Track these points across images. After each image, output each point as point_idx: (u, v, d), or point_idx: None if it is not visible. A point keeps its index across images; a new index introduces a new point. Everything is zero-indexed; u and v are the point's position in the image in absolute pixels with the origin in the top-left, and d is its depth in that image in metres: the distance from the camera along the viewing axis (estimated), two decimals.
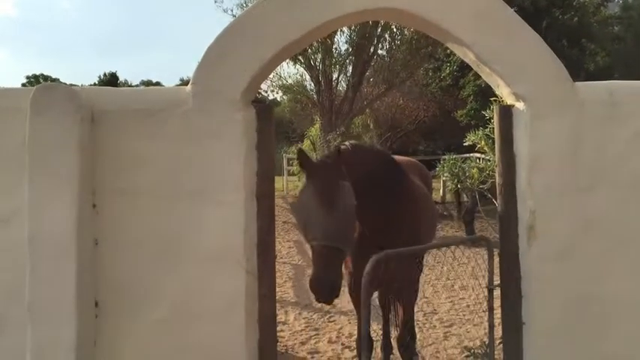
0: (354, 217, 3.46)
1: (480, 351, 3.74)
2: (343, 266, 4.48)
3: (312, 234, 3.33)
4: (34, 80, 47.37)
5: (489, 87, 3.51)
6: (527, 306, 3.13)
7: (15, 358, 2.87)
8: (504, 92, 3.29)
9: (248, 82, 3.09)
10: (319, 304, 7.38)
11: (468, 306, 7.28)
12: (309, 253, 3.38)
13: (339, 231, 3.31)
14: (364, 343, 3.08)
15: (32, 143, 2.87)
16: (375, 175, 3.84)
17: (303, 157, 3.63)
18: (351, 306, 7.18)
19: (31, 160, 2.87)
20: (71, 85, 3.36)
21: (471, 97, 23.11)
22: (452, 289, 8.20)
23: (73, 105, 2.91)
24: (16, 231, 2.96)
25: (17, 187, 2.95)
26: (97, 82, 46.30)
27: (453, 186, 4.31)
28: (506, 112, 3.25)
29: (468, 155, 8.65)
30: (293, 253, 10.95)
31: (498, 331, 3.44)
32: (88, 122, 3.03)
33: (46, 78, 47.64)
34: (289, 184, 20.60)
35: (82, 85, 3.13)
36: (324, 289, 3.19)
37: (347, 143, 4.04)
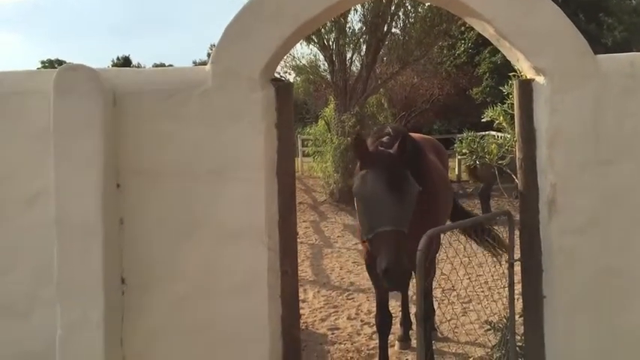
0: (413, 204, 3.57)
1: (500, 325, 3.76)
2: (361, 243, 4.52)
3: (380, 221, 3.38)
4: (48, 65, 47.56)
5: (505, 64, 3.51)
6: (548, 280, 3.14)
7: (46, 335, 2.95)
8: (524, 66, 3.27)
9: (267, 61, 3.10)
10: (337, 283, 7.47)
11: (486, 282, 7.30)
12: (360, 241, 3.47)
13: (406, 216, 3.45)
14: (420, 315, 3.05)
15: (56, 125, 2.91)
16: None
17: (360, 145, 3.72)
18: (369, 284, 7.24)
19: (55, 141, 2.91)
20: None
21: (487, 75, 22.91)
22: (469, 265, 8.21)
23: (95, 86, 2.94)
24: (41, 212, 3.02)
25: (42, 168, 3.01)
26: (110, 66, 46.42)
27: (472, 162, 4.28)
28: (526, 86, 3.24)
29: (485, 133, 8.61)
30: (310, 233, 11.01)
31: (518, 306, 3.46)
32: (111, 103, 3.06)
33: (60, 62, 47.82)
34: (304, 165, 20.64)
35: (98, 68, 3.15)
36: (400, 276, 3.26)
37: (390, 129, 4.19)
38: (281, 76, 17.58)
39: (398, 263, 3.22)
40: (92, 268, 2.89)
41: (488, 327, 3.91)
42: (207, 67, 3.14)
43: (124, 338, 3.10)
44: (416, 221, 3.89)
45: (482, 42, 21.94)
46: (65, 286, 2.91)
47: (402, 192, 3.45)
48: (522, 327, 3.38)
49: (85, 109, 2.92)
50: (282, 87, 3.24)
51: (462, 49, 24.61)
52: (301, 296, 6.76)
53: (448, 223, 5.42)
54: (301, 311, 6.19)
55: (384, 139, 4.08)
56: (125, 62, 49.08)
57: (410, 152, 4.20)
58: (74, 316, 2.90)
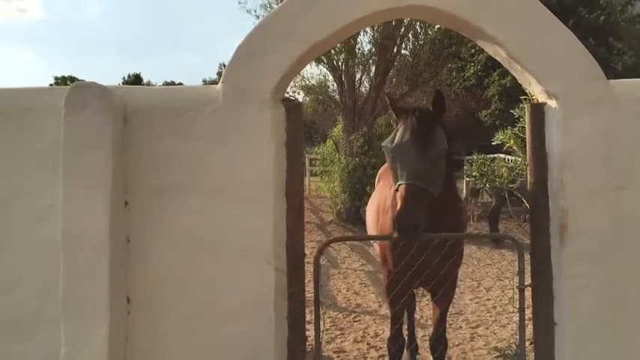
0: (444, 163, 3.50)
1: (509, 351, 3.70)
2: (382, 263, 4.42)
3: (402, 174, 3.36)
4: (61, 81, 48.05)
5: (514, 87, 3.50)
6: (559, 306, 3.09)
7: (50, 354, 2.92)
8: (536, 90, 3.25)
9: (278, 81, 3.10)
10: (344, 304, 7.41)
11: (495, 307, 7.23)
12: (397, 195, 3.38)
13: (431, 173, 3.36)
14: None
15: (66, 141, 2.92)
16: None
17: (395, 106, 3.75)
18: (375, 306, 7.19)
19: (65, 157, 2.91)
20: None
21: (496, 97, 22.95)
22: (477, 290, 8.14)
23: (106, 104, 2.95)
24: (49, 228, 3.01)
25: (51, 184, 3.00)
26: (121, 83, 46.84)
27: (482, 185, 4.26)
28: (538, 110, 3.22)
29: (494, 155, 8.59)
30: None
31: (528, 332, 3.40)
32: (121, 121, 3.07)
33: (73, 79, 48.31)
34: (312, 185, 20.64)
35: (109, 85, 3.17)
36: (408, 226, 3.17)
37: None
38: (290, 96, 17.67)
39: (406, 218, 3.17)
40: (98, 287, 2.87)
41: (498, 353, 3.85)
42: (218, 85, 3.14)
43: (128, 358, 3.07)
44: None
45: (491, 64, 22.03)
46: (70, 303, 2.89)
47: (426, 147, 3.38)
48: (532, 354, 3.31)
49: (95, 126, 2.92)
50: (292, 107, 3.24)
51: (472, 71, 24.69)
52: (308, 317, 6.70)
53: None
54: (307, 333, 6.13)
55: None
56: (136, 80, 49.54)
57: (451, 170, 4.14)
58: (78, 335, 2.87)
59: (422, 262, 3.64)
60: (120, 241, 3.02)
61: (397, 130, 3.59)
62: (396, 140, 3.51)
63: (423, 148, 3.38)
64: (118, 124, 3.02)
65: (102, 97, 2.96)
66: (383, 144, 3.62)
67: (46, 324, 3.01)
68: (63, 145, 2.91)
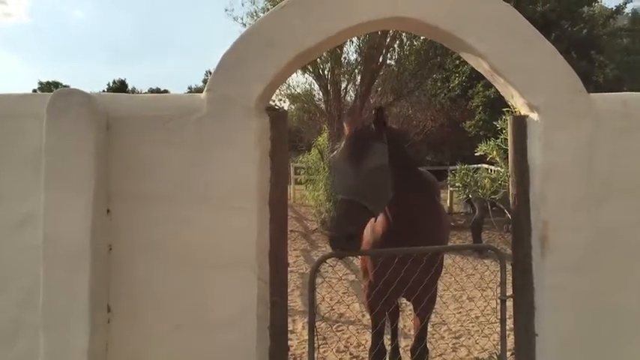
0: (384, 178, 3.48)
1: None
2: (363, 274, 4.44)
3: (338, 189, 3.38)
4: (45, 87, 47.68)
5: (498, 98, 3.54)
6: (540, 317, 3.11)
7: None
8: (518, 103, 3.29)
9: (262, 90, 3.11)
10: (327, 314, 7.39)
11: (477, 317, 7.25)
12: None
13: (363, 187, 3.32)
14: None
15: (48, 148, 2.89)
16: (411, 167, 3.86)
17: (346, 121, 3.76)
18: (359, 315, 7.18)
19: (47, 164, 2.88)
20: None
21: (480, 108, 23.12)
22: (460, 299, 8.17)
23: (89, 110, 2.93)
24: (30, 236, 2.97)
25: (32, 191, 2.97)
26: (106, 90, 46.60)
27: (465, 196, 4.30)
28: (520, 122, 3.25)
29: (477, 166, 8.65)
30: (300, 262, 10.93)
31: (509, 343, 3.42)
32: (104, 128, 3.05)
33: (57, 85, 47.97)
34: (296, 193, 20.63)
35: (92, 92, 3.15)
36: (339, 236, 3.15)
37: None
38: (276, 104, 17.70)
39: (337, 229, 3.16)
40: (78, 295, 2.83)
41: None
42: (203, 94, 3.14)
43: None
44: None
45: (475, 76, 22.21)
46: (50, 312, 2.86)
47: (358, 162, 3.37)
48: None
49: (77, 133, 2.90)
50: (277, 116, 3.24)
51: (456, 82, 24.88)
52: (290, 327, 6.68)
53: None
54: (289, 342, 6.10)
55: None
56: (121, 86, 49.30)
57: (424, 181, 4.18)
58: (58, 343, 2.84)
59: (403, 273, 3.66)
60: (101, 249, 2.99)
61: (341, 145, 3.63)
62: (335, 157, 3.55)
63: (355, 163, 3.37)
64: (100, 131, 3.00)
65: (85, 103, 2.94)
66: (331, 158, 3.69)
67: (26, 332, 2.97)
68: (45, 151, 2.89)
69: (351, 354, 5.91)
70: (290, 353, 5.79)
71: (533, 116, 3.17)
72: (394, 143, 3.67)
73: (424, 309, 4.36)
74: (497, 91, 3.55)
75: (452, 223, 14.54)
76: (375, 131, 3.59)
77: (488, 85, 21.32)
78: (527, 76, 3.10)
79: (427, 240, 3.83)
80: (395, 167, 3.61)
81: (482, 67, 3.30)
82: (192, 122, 3.10)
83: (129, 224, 3.07)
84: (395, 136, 3.77)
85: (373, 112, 3.72)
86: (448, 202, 17.18)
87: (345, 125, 3.83)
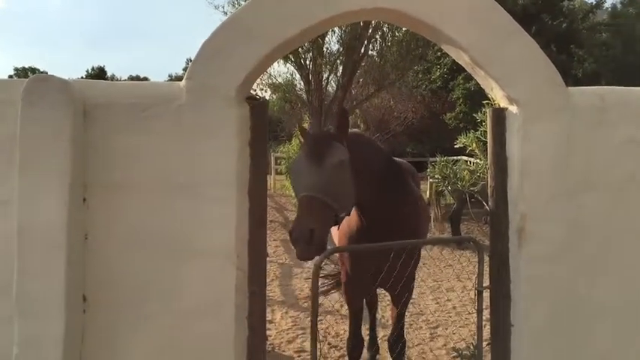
0: (347, 175, 3.47)
1: (467, 352, 3.75)
2: (340, 264, 4.46)
3: (298, 188, 3.39)
4: (21, 72, 46.90)
5: (478, 91, 3.55)
6: (516, 308, 3.15)
7: (3, 351, 2.84)
8: (498, 95, 3.31)
9: (243, 79, 3.08)
10: (306, 304, 7.41)
11: (454, 307, 7.33)
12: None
13: (326, 184, 3.31)
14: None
15: (24, 135, 2.84)
16: (380, 170, 3.88)
17: (302, 130, 3.80)
18: (337, 306, 7.20)
19: (22, 152, 2.83)
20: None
21: (460, 101, 23.25)
22: (438, 290, 8.24)
23: (66, 97, 2.88)
24: (3, 224, 2.93)
25: (6, 179, 2.92)
26: (84, 76, 46.01)
27: (444, 187, 4.31)
28: (499, 115, 3.27)
29: (457, 158, 8.70)
30: (279, 252, 10.94)
31: (486, 333, 3.46)
32: (81, 115, 3.00)
33: (34, 70, 47.22)
34: (277, 183, 20.60)
35: (69, 79, 3.10)
36: (302, 238, 3.12)
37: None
38: (257, 94, 17.59)
39: (299, 228, 3.14)
40: (53, 284, 2.80)
41: (456, 354, 3.90)
42: (182, 82, 3.11)
43: (84, 358, 3.01)
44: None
45: (456, 68, 22.32)
46: (24, 301, 2.82)
47: (319, 160, 3.39)
48: (490, 355, 3.37)
49: (53, 119, 2.85)
50: (257, 105, 3.22)
51: (438, 74, 24.98)
52: (269, 317, 6.69)
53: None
54: (268, 332, 6.11)
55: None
56: (100, 73, 48.67)
57: (398, 173, 4.20)
58: (32, 333, 2.80)
59: (378, 264, 3.69)
60: (77, 238, 2.96)
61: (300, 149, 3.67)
62: (294, 161, 3.60)
63: (314, 161, 3.40)
64: (77, 118, 2.96)
65: (61, 90, 2.89)
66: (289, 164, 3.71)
67: (0, 321, 2.93)
68: (20, 138, 2.83)
69: (329, 344, 5.94)
70: (269, 343, 5.81)
71: (513, 109, 3.19)
72: (357, 144, 3.66)
73: (401, 299, 4.41)
74: (477, 84, 3.56)
75: (431, 214, 14.63)
76: (336, 133, 3.61)
77: (469, 78, 21.44)
78: (506, 68, 3.12)
79: (403, 235, 3.86)
80: (364, 169, 3.61)
81: (462, 59, 3.31)
82: (172, 111, 3.07)
83: (106, 213, 3.04)
84: (357, 138, 3.76)
85: (337, 115, 3.75)
86: (428, 193, 17.27)
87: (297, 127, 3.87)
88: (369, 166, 3.75)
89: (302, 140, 3.77)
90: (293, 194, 15.41)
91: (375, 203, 3.80)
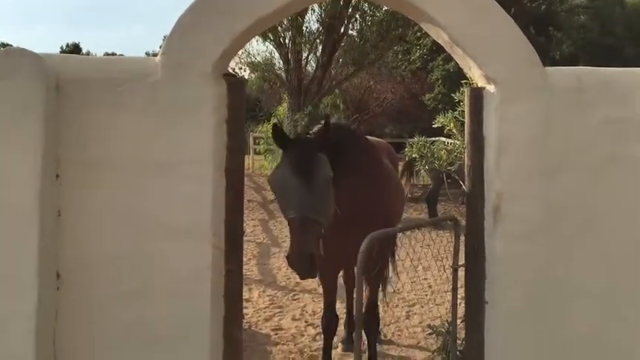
0: (332, 190, 3.46)
1: (442, 329, 3.80)
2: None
3: (289, 206, 3.34)
4: None
5: (457, 72, 3.55)
6: (491, 286, 3.18)
7: None
8: (476, 74, 3.31)
9: (219, 55, 3.04)
10: (283, 282, 7.43)
11: (430, 286, 7.40)
12: (287, 227, 3.40)
13: (317, 203, 3.32)
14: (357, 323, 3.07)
15: None
16: (349, 154, 3.86)
17: (278, 132, 3.62)
18: (314, 284, 7.23)
19: None
20: None
21: (439, 82, 23.30)
22: (415, 269, 8.30)
23: (38, 71, 2.82)
24: None
25: None
26: (59, 52, 45.06)
27: (421, 167, 4.34)
28: (477, 94, 3.27)
29: (435, 139, 8.75)
30: (257, 232, 10.93)
31: (461, 311, 3.50)
32: (53, 90, 2.94)
33: (5, 46, 46.14)
34: (255, 163, 20.52)
35: (42, 53, 3.03)
36: (303, 264, 3.21)
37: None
38: (235, 72, 17.45)
39: (298, 252, 3.22)
40: (25, 260, 2.75)
41: (431, 331, 3.95)
42: (158, 58, 3.05)
43: (58, 335, 2.98)
44: (371, 222, 3.90)
45: (436, 49, 22.31)
46: None
47: (309, 177, 3.35)
48: (464, 332, 3.41)
49: (25, 94, 2.79)
50: (234, 83, 3.18)
51: (417, 54, 24.93)
52: (246, 295, 6.69)
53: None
54: (245, 311, 6.12)
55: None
56: (75, 50, 47.71)
57: (368, 154, 4.20)
58: (3, 310, 2.76)
59: (349, 243, 3.71)
60: (50, 215, 2.91)
61: (279, 161, 3.59)
62: (278, 174, 3.50)
63: (304, 178, 3.35)
64: (50, 93, 2.89)
65: (34, 64, 2.82)
66: (269, 175, 3.62)
67: None
68: None
69: (306, 321, 5.97)
70: (245, 321, 5.82)
71: (490, 88, 3.20)
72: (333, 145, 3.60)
73: (374, 276, 4.46)
74: (457, 65, 3.56)
75: (409, 195, 14.71)
76: (319, 143, 3.55)
77: (448, 59, 21.50)
78: (484, 47, 3.11)
79: (375, 214, 3.88)
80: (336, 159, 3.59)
81: (442, 38, 3.30)
82: (147, 86, 3.02)
83: (80, 190, 2.99)
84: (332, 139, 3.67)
85: (324, 119, 3.68)
86: (400, 169, 17.35)
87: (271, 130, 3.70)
88: (344, 155, 3.74)
89: (281, 146, 3.63)
90: None
91: (345, 183, 3.78)
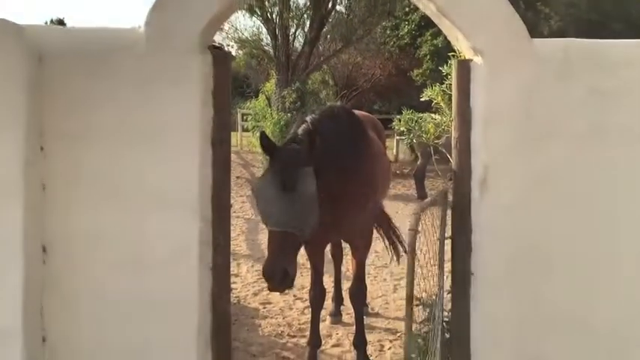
0: (314, 203, 3.43)
1: (429, 301, 3.83)
2: None
3: (269, 218, 3.38)
4: None
5: (445, 47, 3.54)
6: (476, 257, 3.21)
7: None
8: (463, 46, 3.29)
9: (204, 26, 3.00)
10: None
11: (418, 260, 7.45)
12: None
13: (296, 217, 3.33)
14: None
15: None
16: (335, 132, 3.87)
17: (266, 141, 3.61)
18: (303, 259, 7.27)
19: None
20: None
21: (428, 57, 23.17)
22: (403, 243, 8.35)
23: (19, 42, 2.78)
24: None
25: None
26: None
27: (409, 141, 4.36)
28: (465, 66, 3.26)
29: (422, 115, 8.79)
30: (246, 208, 10.93)
31: (447, 283, 3.53)
32: (36, 61, 2.90)
33: None
34: (243, 140, 20.43)
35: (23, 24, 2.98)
36: (276, 277, 3.24)
37: (309, 119, 3.98)
38: (221, 45, 17.30)
39: (271, 266, 3.26)
40: (10, 234, 2.74)
41: (418, 303, 3.98)
42: (142, 28, 3.01)
43: (45, 308, 2.98)
44: (355, 197, 3.93)
45: (424, 24, 22.17)
46: None
47: (290, 191, 3.34)
48: (450, 303, 3.45)
49: (7, 65, 2.75)
50: (220, 55, 3.15)
51: (405, 30, 24.76)
52: (234, 270, 6.71)
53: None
54: (234, 285, 6.14)
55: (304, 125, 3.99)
56: (59, 25, 46.97)
57: (353, 129, 4.20)
58: None
59: (335, 218, 3.72)
60: (35, 188, 2.89)
61: (265, 171, 3.57)
62: (261, 184, 3.50)
63: (284, 192, 3.34)
64: (32, 64, 2.86)
65: (15, 35, 2.78)
66: (253, 185, 3.60)
67: None
68: None
69: (294, 295, 6.00)
70: (234, 295, 5.84)
71: (477, 60, 3.18)
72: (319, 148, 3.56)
73: (359, 249, 4.50)
74: (445, 40, 3.55)
75: (397, 171, 14.76)
76: (305, 153, 3.51)
77: (437, 35, 21.36)
78: (471, 18, 3.10)
79: (358, 184, 3.92)
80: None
81: (429, 9, 3.28)
82: (131, 58, 2.98)
83: (64, 163, 2.97)
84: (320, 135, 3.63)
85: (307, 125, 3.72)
86: (394, 150, 17.39)
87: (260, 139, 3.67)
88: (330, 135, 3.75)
89: (267, 153, 3.63)
90: (260, 151, 15.37)
91: (330, 156, 3.77)
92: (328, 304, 5.34)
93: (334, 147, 3.74)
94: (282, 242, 3.31)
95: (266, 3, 16.35)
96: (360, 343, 4.50)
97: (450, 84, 3.54)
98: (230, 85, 3.24)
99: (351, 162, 3.97)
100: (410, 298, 2.74)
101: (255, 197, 3.56)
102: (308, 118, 3.96)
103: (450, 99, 3.59)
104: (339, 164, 3.77)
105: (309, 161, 3.47)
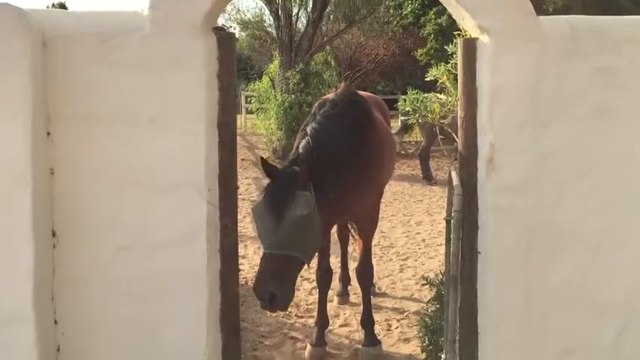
0: (312, 225, 3.47)
1: (436, 280, 3.85)
2: None
3: (263, 240, 3.46)
4: None
5: (450, 26, 3.51)
6: (483, 236, 3.21)
7: None
8: (469, 25, 3.27)
9: (209, 8, 2.99)
10: None
11: (424, 240, 7.48)
12: None
13: (288, 239, 3.37)
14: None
15: None
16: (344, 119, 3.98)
17: (267, 167, 3.65)
18: None
19: None
20: None
21: (432, 36, 23.04)
22: (408, 224, 8.39)
23: (23, 26, 2.77)
24: None
25: None
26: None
27: (415, 120, 4.33)
28: (470, 45, 3.24)
29: (427, 95, 8.74)
30: (252, 190, 10.96)
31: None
32: (40, 46, 2.89)
33: None
34: (247, 122, 20.41)
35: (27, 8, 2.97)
36: (263, 298, 3.33)
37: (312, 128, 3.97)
38: (225, 26, 17.19)
39: (258, 289, 3.35)
40: (20, 219, 2.76)
41: (425, 282, 4.00)
42: (146, 12, 3.00)
43: (56, 291, 3.01)
44: (360, 179, 3.94)
45: (428, 3, 22.01)
46: None
47: (282, 215, 3.38)
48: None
49: (11, 50, 2.74)
50: (224, 36, 3.13)
51: (409, 9, 24.60)
52: (242, 252, 6.74)
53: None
54: (241, 267, 6.17)
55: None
56: (61, 9, 46.75)
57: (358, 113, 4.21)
58: (1, 268, 2.78)
59: (339, 196, 3.74)
60: (43, 173, 2.90)
61: (264, 191, 3.61)
62: (257, 206, 3.55)
63: (275, 215, 3.38)
64: (36, 49, 2.85)
65: (18, 19, 2.77)
66: (253, 207, 3.64)
67: None
68: None
69: (301, 276, 5.97)
70: (242, 277, 5.88)
71: (483, 38, 3.16)
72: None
73: (365, 229, 4.54)
74: (449, 19, 3.52)
75: (402, 152, 14.74)
76: (300, 177, 3.52)
77: (441, 13, 21.22)
78: None
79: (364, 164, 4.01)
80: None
81: None
82: (135, 41, 2.97)
83: (71, 147, 2.98)
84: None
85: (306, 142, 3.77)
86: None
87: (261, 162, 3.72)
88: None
89: (268, 175, 3.65)
90: (264, 133, 15.32)
91: (331, 163, 3.78)
92: (335, 284, 5.38)
93: (337, 157, 3.79)
94: (270, 266, 3.37)
95: None
96: (367, 322, 4.54)
97: (455, 63, 3.51)
98: (235, 66, 3.24)
99: (357, 154, 3.97)
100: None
101: (254, 219, 3.63)
102: (308, 130, 3.97)
103: (455, 78, 3.56)
104: (342, 164, 3.82)
105: (305, 185, 3.51)
